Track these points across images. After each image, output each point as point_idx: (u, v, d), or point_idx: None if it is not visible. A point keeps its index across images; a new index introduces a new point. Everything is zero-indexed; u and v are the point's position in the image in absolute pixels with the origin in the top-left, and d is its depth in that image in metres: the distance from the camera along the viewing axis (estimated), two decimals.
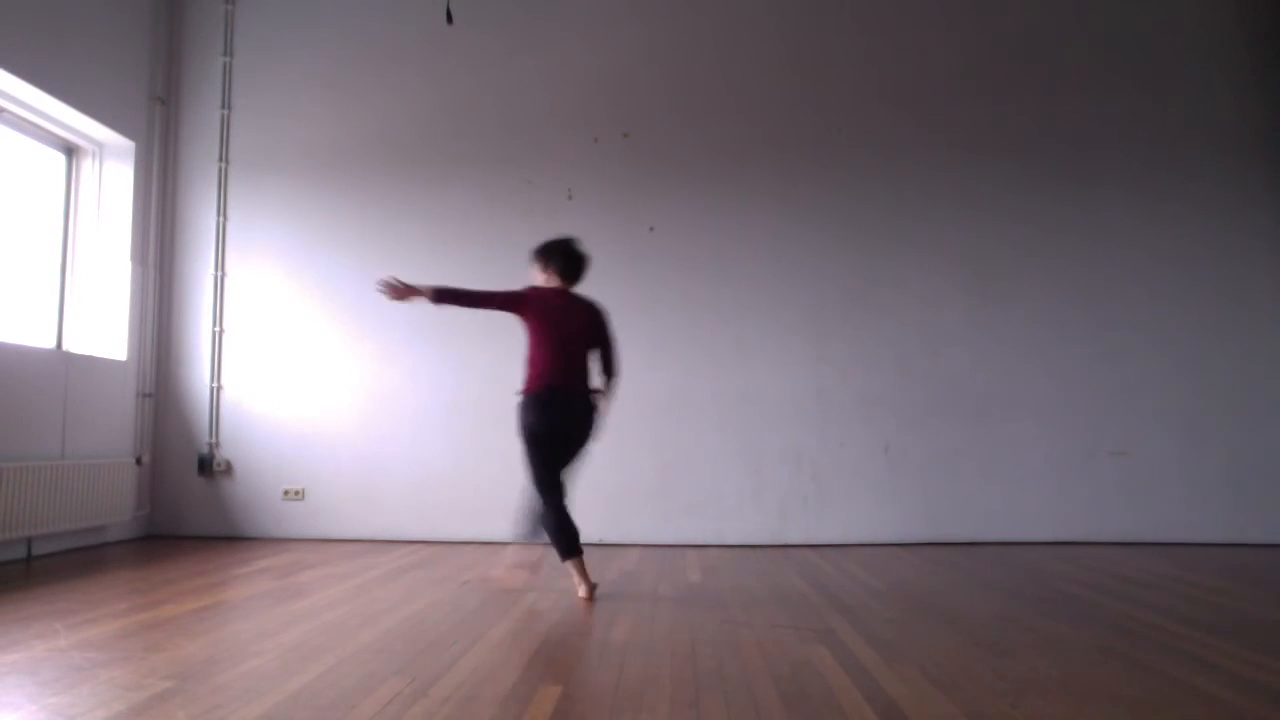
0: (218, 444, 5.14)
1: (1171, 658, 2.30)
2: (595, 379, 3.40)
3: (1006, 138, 5.15)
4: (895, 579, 3.68)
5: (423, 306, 5.11)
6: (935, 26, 5.25)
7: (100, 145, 5.01)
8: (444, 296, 3.24)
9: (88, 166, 5.00)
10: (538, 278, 3.43)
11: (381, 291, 3.20)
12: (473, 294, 3.29)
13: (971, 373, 5.00)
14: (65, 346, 4.77)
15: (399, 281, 3.19)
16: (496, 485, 5.01)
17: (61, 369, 4.46)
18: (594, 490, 4.99)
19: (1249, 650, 2.37)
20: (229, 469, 5.12)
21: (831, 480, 4.96)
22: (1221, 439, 4.90)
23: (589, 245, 5.15)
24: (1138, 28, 5.21)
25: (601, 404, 3.38)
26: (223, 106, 5.35)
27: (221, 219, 5.29)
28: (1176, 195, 5.08)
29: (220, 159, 5.32)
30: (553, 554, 3.33)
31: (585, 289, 3.49)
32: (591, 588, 3.26)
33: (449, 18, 5.01)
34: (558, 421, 3.22)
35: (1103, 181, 5.11)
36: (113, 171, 5.04)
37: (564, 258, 3.42)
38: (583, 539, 4.93)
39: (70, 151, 4.94)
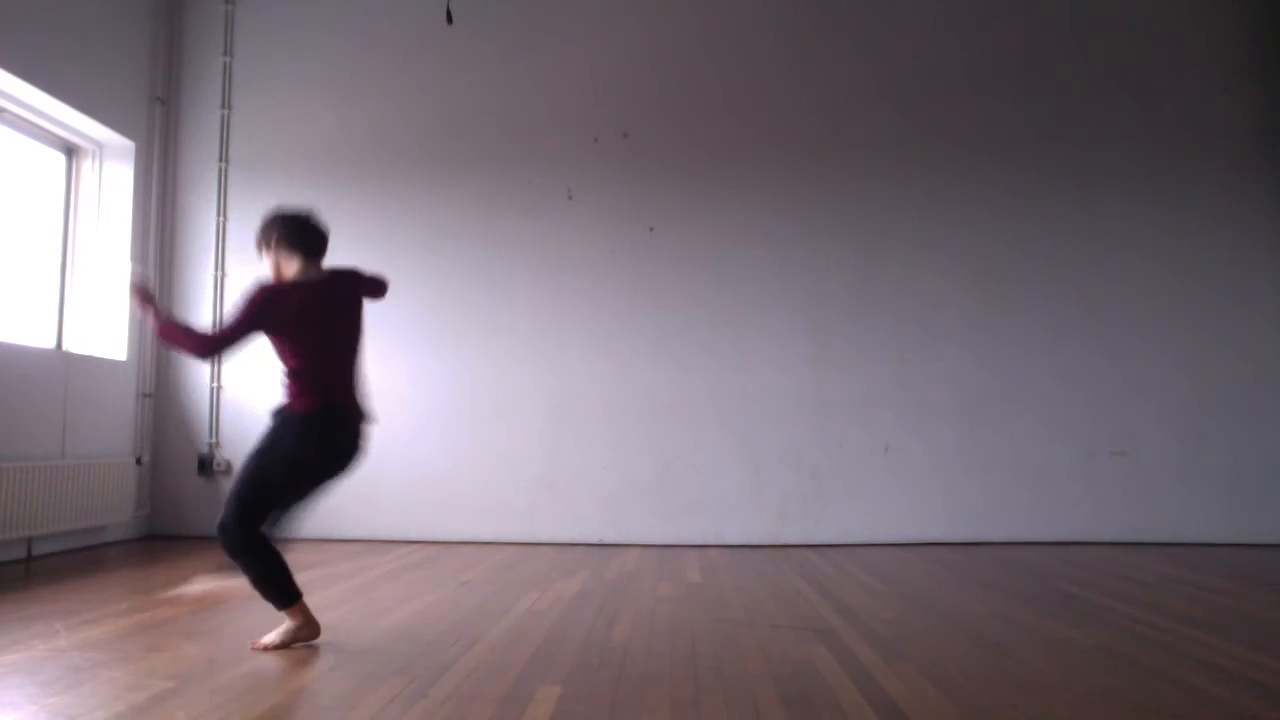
0: (218, 444, 5.14)
1: (1171, 658, 2.30)
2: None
3: (1006, 138, 5.15)
4: (895, 579, 3.68)
5: (421, 308, 5.14)
6: (935, 27, 5.25)
7: (100, 145, 5.01)
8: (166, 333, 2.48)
9: (88, 166, 5.00)
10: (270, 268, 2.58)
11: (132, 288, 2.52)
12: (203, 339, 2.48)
13: (971, 373, 5.00)
14: (65, 346, 4.77)
15: (143, 290, 2.50)
16: (495, 485, 5.01)
17: (61, 369, 4.46)
18: (594, 490, 5.00)
19: (1249, 650, 2.37)
20: (229, 469, 5.12)
21: (831, 480, 4.95)
22: (1221, 439, 4.89)
23: (589, 245, 5.20)
24: (1137, 28, 5.20)
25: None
26: (223, 106, 5.35)
27: (221, 219, 5.29)
28: (1176, 195, 5.08)
29: (220, 159, 5.32)
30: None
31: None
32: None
33: (449, 18, 5.01)
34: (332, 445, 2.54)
35: (1102, 182, 5.11)
36: (113, 171, 5.04)
37: (296, 229, 2.56)
38: (582, 539, 4.97)
39: (70, 151, 4.93)
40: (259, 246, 2.58)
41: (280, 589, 2.47)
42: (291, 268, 2.54)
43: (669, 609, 3.04)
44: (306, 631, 2.48)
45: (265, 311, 2.43)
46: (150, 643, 2.47)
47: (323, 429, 2.49)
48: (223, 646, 2.44)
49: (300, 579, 3.61)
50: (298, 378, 2.49)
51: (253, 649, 2.42)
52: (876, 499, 4.92)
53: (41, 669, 2.19)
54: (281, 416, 2.50)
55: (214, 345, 2.54)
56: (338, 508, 5.03)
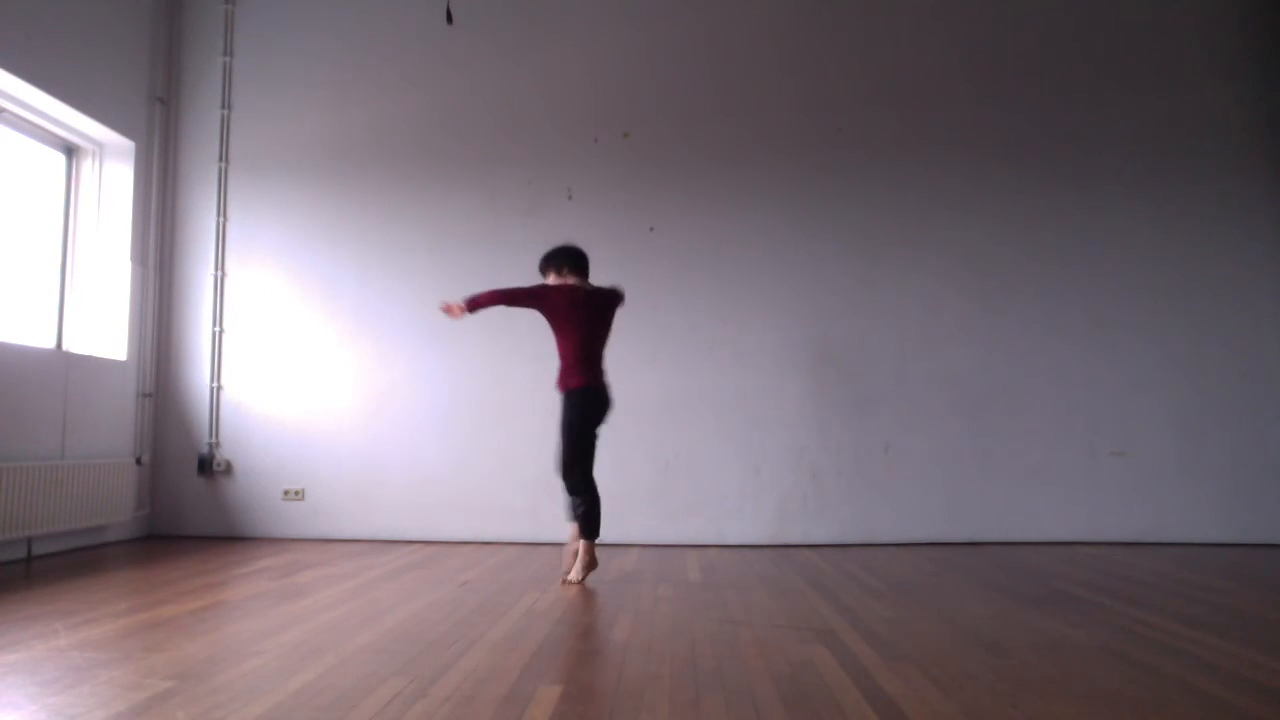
0: (218, 444, 5.14)
1: (1171, 658, 2.30)
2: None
3: (1005, 139, 5.15)
4: (895, 579, 3.68)
5: (421, 308, 5.14)
6: (934, 28, 5.25)
7: (100, 145, 5.01)
8: (475, 304, 3.58)
9: (88, 166, 5.00)
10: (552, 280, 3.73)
11: (445, 312, 3.66)
12: (499, 292, 3.60)
13: (971, 373, 5.00)
14: (65, 346, 4.77)
15: (448, 304, 3.62)
16: (495, 485, 5.01)
17: (61, 369, 4.46)
18: None
19: (1249, 650, 2.37)
20: (229, 469, 5.12)
21: (831, 480, 4.96)
22: (1221, 439, 4.89)
23: (589, 245, 5.18)
24: (1137, 29, 5.20)
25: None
26: (223, 106, 5.35)
27: (221, 219, 5.29)
28: (1176, 196, 5.08)
29: (220, 159, 5.32)
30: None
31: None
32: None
33: (449, 18, 5.01)
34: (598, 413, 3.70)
35: (1102, 182, 5.11)
36: (113, 171, 5.04)
37: (569, 256, 3.76)
38: None
39: (70, 151, 4.94)
40: (544, 271, 3.73)
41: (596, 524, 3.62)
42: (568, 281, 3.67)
43: (669, 609, 3.04)
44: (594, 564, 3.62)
45: (546, 293, 3.61)
46: (150, 643, 2.47)
47: (584, 401, 3.63)
48: (223, 646, 2.45)
49: (300, 579, 3.63)
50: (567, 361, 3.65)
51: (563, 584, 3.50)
52: (876, 499, 4.92)
53: (41, 669, 2.19)
54: (564, 394, 3.63)
55: (501, 296, 3.60)
56: (338, 507, 5.06)
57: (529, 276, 5.18)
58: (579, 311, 3.66)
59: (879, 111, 5.19)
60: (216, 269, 5.25)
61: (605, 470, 4.98)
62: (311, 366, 5.16)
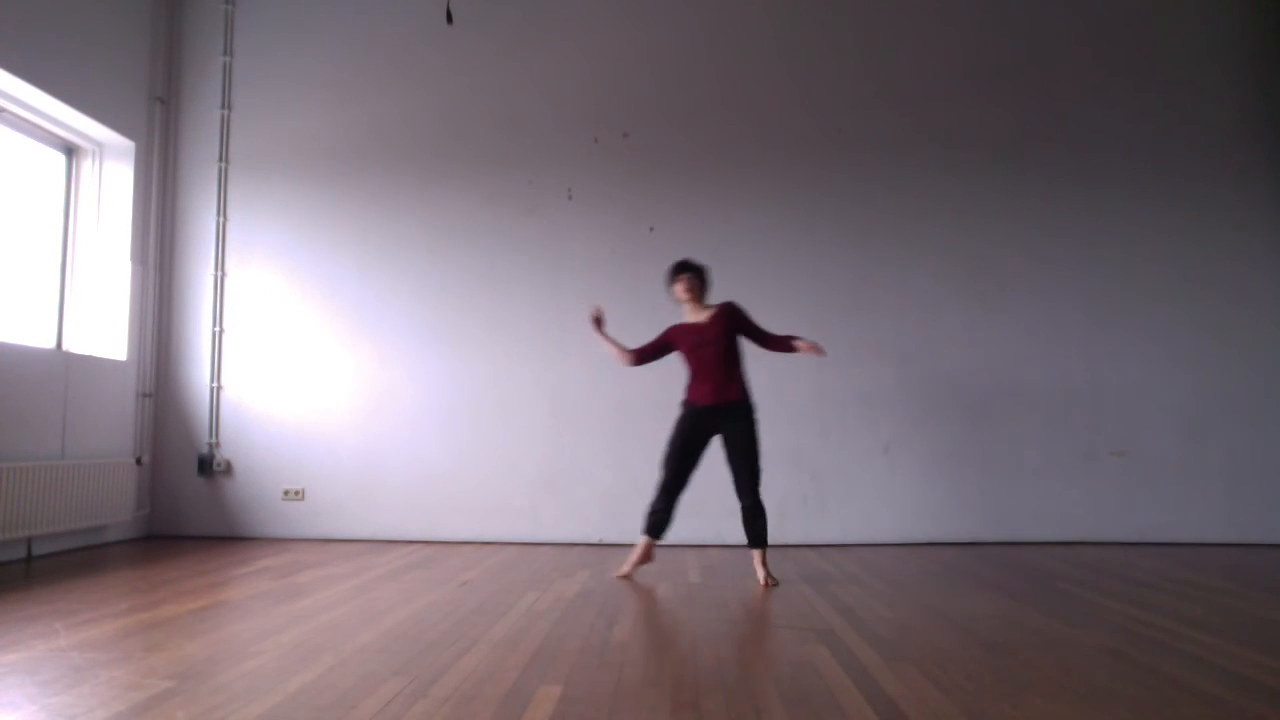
0: (218, 444, 5.14)
1: (1171, 658, 2.30)
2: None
3: (1006, 139, 5.15)
4: (895, 579, 3.68)
5: (421, 308, 5.15)
6: (934, 28, 5.25)
7: (100, 145, 5.01)
8: (637, 357, 4.05)
9: (88, 166, 5.00)
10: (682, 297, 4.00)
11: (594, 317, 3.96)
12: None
13: (971, 373, 5.00)
14: (65, 346, 4.77)
15: (600, 321, 3.95)
16: (495, 485, 5.01)
17: (61, 369, 4.46)
18: (594, 490, 5.00)
19: (1249, 650, 2.37)
20: (229, 469, 5.12)
21: (831, 480, 4.96)
22: (1221, 439, 4.90)
23: (589, 245, 5.20)
24: (1138, 28, 5.20)
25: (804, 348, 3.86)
26: (223, 106, 5.35)
27: (221, 219, 5.29)
28: (1176, 196, 5.08)
29: (220, 159, 5.32)
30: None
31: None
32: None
33: (449, 18, 5.01)
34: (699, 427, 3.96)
35: (1102, 182, 5.11)
36: (113, 171, 5.04)
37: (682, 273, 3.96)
38: (582, 539, 4.98)
39: (70, 151, 4.94)
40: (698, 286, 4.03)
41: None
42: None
43: (669, 609, 3.04)
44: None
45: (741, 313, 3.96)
46: (150, 643, 2.47)
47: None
48: (223, 646, 2.45)
49: (300, 579, 3.63)
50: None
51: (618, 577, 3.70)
52: (876, 499, 4.92)
53: (41, 669, 2.19)
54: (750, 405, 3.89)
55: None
56: (338, 507, 5.06)
57: (529, 275, 5.22)
58: None
59: (879, 111, 5.19)
60: (216, 269, 5.26)
61: (606, 470, 5.01)
62: (311, 366, 5.16)
